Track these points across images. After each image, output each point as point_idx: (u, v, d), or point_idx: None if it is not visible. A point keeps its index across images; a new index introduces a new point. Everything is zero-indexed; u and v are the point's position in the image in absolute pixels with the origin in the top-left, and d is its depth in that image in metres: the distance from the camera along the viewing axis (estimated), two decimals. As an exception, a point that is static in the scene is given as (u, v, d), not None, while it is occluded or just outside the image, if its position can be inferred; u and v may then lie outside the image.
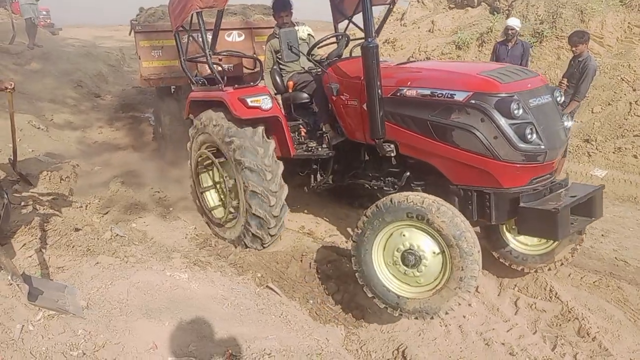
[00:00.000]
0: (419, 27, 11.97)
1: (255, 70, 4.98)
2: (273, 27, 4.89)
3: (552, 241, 3.37)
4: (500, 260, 3.66)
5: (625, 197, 5.53)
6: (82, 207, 4.58)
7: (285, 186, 3.91)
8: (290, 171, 4.06)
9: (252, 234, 3.91)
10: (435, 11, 12.50)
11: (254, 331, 2.76)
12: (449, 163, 3.02)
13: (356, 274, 3.06)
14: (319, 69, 4.04)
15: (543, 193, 2.94)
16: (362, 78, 3.24)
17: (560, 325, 3.27)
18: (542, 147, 2.80)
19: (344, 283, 3.68)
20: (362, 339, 3.27)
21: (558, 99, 3.08)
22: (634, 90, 7.12)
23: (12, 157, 4.61)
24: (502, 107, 2.74)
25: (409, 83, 3.17)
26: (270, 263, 3.83)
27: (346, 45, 4.39)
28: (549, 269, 3.62)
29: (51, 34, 16.45)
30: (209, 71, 4.14)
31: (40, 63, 10.48)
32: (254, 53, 6.14)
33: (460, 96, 2.86)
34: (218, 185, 4.51)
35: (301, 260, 3.90)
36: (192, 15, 3.94)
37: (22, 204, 4.06)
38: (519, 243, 3.60)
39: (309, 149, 4.03)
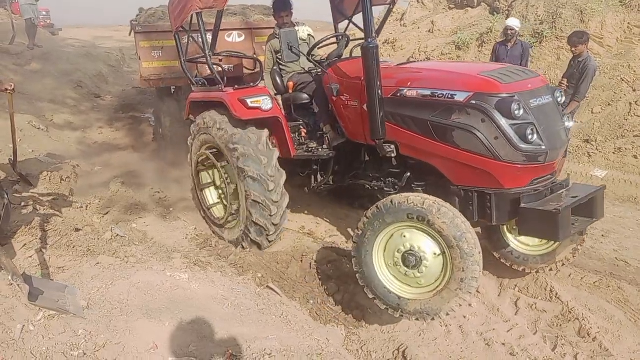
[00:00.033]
0: (418, 28, 11.98)
1: (256, 70, 4.98)
2: (273, 28, 4.90)
3: (553, 242, 3.37)
4: (502, 260, 3.66)
5: (626, 198, 5.53)
6: (82, 207, 4.59)
7: (287, 195, 3.92)
8: (290, 172, 4.06)
9: (251, 239, 3.94)
10: (435, 11, 12.51)
11: (254, 331, 2.77)
12: (449, 164, 3.02)
13: (357, 275, 3.06)
14: (319, 70, 4.04)
15: (544, 194, 2.94)
16: (362, 78, 3.24)
17: (560, 325, 3.27)
18: (543, 147, 2.80)
19: (344, 283, 3.69)
20: (363, 339, 3.27)
21: (559, 99, 3.08)
22: (634, 90, 7.12)
23: (12, 158, 4.61)
24: (503, 108, 2.74)
25: (409, 83, 3.17)
26: (270, 263, 3.83)
27: (346, 46, 4.40)
28: (550, 270, 3.62)
29: (51, 35, 16.45)
30: (209, 72, 4.14)
31: (40, 63, 10.48)
32: (254, 54, 6.14)
33: (460, 96, 2.86)
34: (218, 184, 4.51)
35: (301, 261, 3.90)
36: (191, 15, 3.94)
37: (23, 204, 4.06)
38: (520, 243, 3.60)
39: (310, 149, 4.02)
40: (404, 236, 2.88)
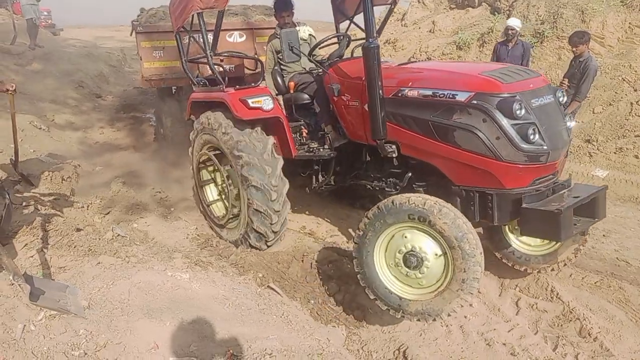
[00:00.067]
0: (419, 28, 11.98)
1: (257, 71, 4.99)
2: (274, 28, 4.90)
3: (555, 242, 3.37)
4: (503, 260, 3.66)
5: (627, 198, 5.52)
6: (83, 207, 4.59)
7: (288, 203, 3.93)
8: (291, 172, 4.06)
9: (250, 244, 3.97)
10: (436, 11, 12.50)
11: (255, 331, 2.77)
12: (450, 164, 3.01)
13: (358, 276, 3.06)
14: (320, 70, 4.04)
15: (546, 194, 2.93)
16: (363, 78, 3.24)
17: (561, 325, 3.26)
18: (545, 147, 2.79)
19: (345, 283, 3.68)
20: (363, 339, 3.27)
21: (560, 99, 3.07)
22: (635, 90, 7.11)
23: (13, 158, 4.62)
24: (504, 108, 2.74)
25: (411, 83, 3.17)
26: (271, 263, 3.83)
27: (347, 46, 4.39)
28: (552, 270, 3.61)
29: (52, 35, 16.48)
30: (210, 72, 4.14)
31: (41, 63, 10.51)
32: (255, 54, 6.15)
33: (462, 96, 2.86)
34: (218, 182, 4.52)
35: (302, 261, 3.90)
36: (192, 16, 3.94)
37: (24, 204, 4.06)
38: (522, 243, 3.60)
39: (311, 149, 4.02)
40: (405, 237, 2.87)
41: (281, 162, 3.88)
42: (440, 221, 2.68)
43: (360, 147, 3.81)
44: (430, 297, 2.82)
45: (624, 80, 7.31)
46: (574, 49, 5.62)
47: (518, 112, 2.72)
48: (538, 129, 2.77)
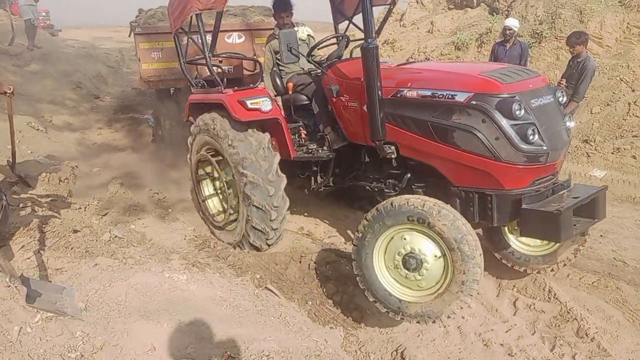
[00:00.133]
0: (418, 28, 11.98)
1: (255, 72, 4.99)
2: (273, 29, 4.89)
3: (554, 242, 3.36)
4: (503, 261, 3.65)
5: (624, 198, 5.53)
6: (81, 208, 4.58)
7: (287, 199, 3.92)
8: (290, 173, 4.06)
9: (250, 243, 3.98)
10: (435, 12, 12.51)
11: (252, 332, 2.76)
12: (450, 164, 3.01)
13: (357, 278, 3.04)
14: (319, 70, 4.03)
15: (545, 194, 2.93)
16: (362, 79, 3.23)
17: (559, 325, 3.26)
18: (544, 148, 2.79)
19: (343, 284, 3.68)
20: (361, 340, 3.26)
21: (560, 99, 3.07)
22: (633, 90, 7.12)
23: (10, 159, 4.60)
24: (504, 108, 2.73)
25: (410, 84, 3.17)
26: (269, 264, 3.82)
27: (346, 46, 4.39)
28: (552, 270, 3.61)
29: (50, 35, 16.45)
30: (208, 73, 4.14)
31: (39, 64, 10.47)
32: (254, 55, 6.14)
33: (461, 97, 2.85)
34: (219, 190, 4.52)
35: (300, 262, 3.89)
36: (191, 17, 3.94)
37: (21, 205, 4.05)
38: (521, 244, 3.59)
39: (309, 151, 4.01)
40: (405, 239, 2.86)
41: (277, 158, 3.88)
42: (440, 223, 2.67)
43: (359, 148, 3.81)
44: (429, 299, 2.81)
45: (621, 80, 7.32)
46: (571, 50, 5.63)
47: (517, 112, 2.72)
48: (537, 130, 2.77)
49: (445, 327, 3.28)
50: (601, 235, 4.41)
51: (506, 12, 10.25)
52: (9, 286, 2.63)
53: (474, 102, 2.80)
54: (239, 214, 4.01)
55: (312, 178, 4.21)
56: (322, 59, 4.41)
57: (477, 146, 2.81)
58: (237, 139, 3.80)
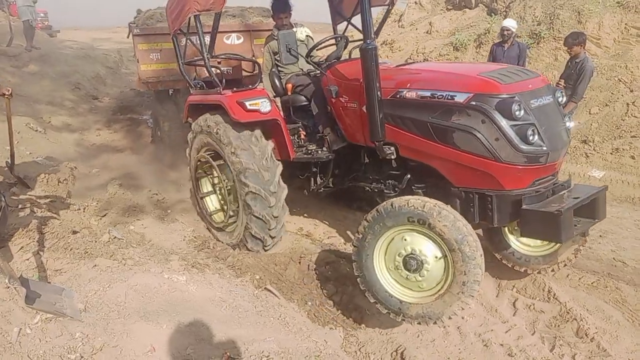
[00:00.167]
0: (416, 29, 12.00)
1: (254, 73, 4.99)
2: (272, 30, 4.89)
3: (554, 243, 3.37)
4: (503, 261, 3.65)
5: (623, 198, 5.53)
6: (80, 209, 4.57)
7: (286, 208, 3.92)
8: (289, 174, 4.05)
9: (247, 248, 3.98)
10: (433, 12, 12.54)
11: (252, 333, 2.76)
12: (449, 165, 3.01)
13: (358, 279, 3.04)
14: (318, 71, 4.03)
15: (545, 195, 2.93)
16: (361, 80, 3.22)
17: (558, 326, 3.27)
18: (544, 148, 2.79)
19: (342, 285, 3.68)
20: (361, 340, 3.26)
21: (559, 99, 3.07)
22: (631, 91, 7.14)
23: (9, 160, 4.60)
24: (503, 108, 2.73)
25: (409, 85, 3.17)
26: (268, 265, 3.82)
27: (345, 47, 4.39)
28: (552, 270, 3.62)
29: (49, 36, 16.45)
30: (207, 74, 4.13)
31: (38, 65, 10.46)
32: (253, 56, 6.14)
33: (460, 97, 2.85)
34: (218, 190, 4.51)
35: (299, 262, 3.89)
36: (189, 18, 3.94)
37: (20, 206, 4.04)
38: (522, 244, 3.59)
39: (309, 151, 4.01)
40: (405, 239, 2.86)
41: (280, 168, 3.87)
42: (440, 224, 2.66)
43: (358, 149, 3.80)
44: (430, 300, 2.81)
45: (620, 81, 7.34)
46: (569, 50, 5.65)
47: (517, 112, 2.72)
48: (537, 130, 2.77)
49: (445, 327, 3.28)
50: (600, 236, 4.41)
51: (504, 12, 10.27)
52: (8, 287, 2.62)
53: (474, 103, 2.80)
54: (238, 218, 4.01)
55: (312, 179, 4.21)
56: (321, 59, 4.41)
57: (476, 147, 2.81)
58: (240, 148, 3.76)
